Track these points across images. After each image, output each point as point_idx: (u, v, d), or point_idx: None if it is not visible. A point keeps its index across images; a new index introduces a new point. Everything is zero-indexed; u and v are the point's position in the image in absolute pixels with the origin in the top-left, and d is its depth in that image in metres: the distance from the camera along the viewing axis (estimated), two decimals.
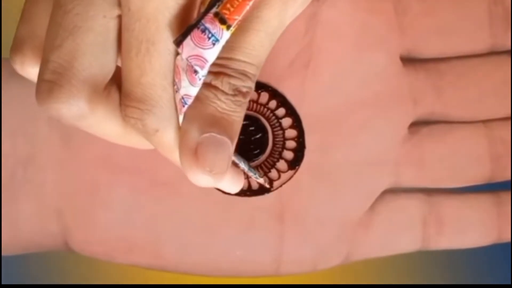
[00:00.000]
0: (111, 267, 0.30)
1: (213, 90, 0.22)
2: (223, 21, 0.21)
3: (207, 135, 0.22)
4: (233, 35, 0.21)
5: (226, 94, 0.22)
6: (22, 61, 0.23)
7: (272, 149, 0.30)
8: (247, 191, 0.29)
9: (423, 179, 0.30)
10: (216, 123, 0.22)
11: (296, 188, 0.29)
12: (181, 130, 0.22)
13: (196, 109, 0.22)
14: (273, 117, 0.29)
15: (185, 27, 0.21)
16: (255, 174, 0.27)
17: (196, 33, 0.21)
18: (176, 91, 0.22)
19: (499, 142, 0.30)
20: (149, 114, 0.22)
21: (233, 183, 0.25)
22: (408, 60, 0.30)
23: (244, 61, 0.22)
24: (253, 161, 0.29)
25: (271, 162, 0.30)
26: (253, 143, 0.29)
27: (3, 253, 0.29)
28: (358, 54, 0.29)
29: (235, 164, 0.26)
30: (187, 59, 0.21)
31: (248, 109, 0.29)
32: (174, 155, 0.23)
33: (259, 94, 0.29)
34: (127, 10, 0.21)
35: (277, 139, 0.30)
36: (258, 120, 0.29)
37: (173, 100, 0.22)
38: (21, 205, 0.28)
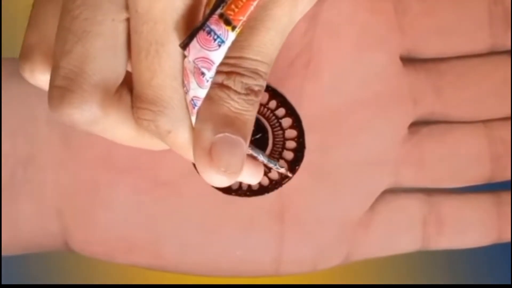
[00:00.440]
0: (111, 267, 0.30)
1: (225, 90, 0.22)
2: (228, 22, 0.21)
3: (221, 135, 0.22)
4: (243, 34, 0.21)
5: (239, 93, 0.22)
6: (31, 69, 0.23)
7: (272, 149, 0.30)
8: (247, 191, 0.29)
9: (423, 179, 0.30)
10: (229, 123, 0.22)
11: (296, 188, 0.29)
12: (194, 131, 0.22)
13: (209, 109, 0.22)
14: (273, 117, 0.29)
15: (191, 29, 0.21)
16: (275, 164, 0.27)
17: (201, 35, 0.21)
18: (186, 93, 0.22)
19: (499, 142, 0.30)
20: (161, 115, 0.22)
21: (253, 176, 0.26)
22: (408, 60, 0.30)
23: (256, 60, 0.22)
24: None
25: None
26: (253, 143, 0.29)
27: (3, 253, 0.29)
28: (358, 54, 0.29)
29: (253, 157, 0.26)
30: (194, 62, 0.21)
31: None
32: (189, 154, 0.23)
33: None
34: (135, 12, 0.21)
35: (277, 139, 0.30)
36: (258, 120, 0.29)
37: (184, 101, 0.22)
38: (21, 205, 0.29)
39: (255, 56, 0.22)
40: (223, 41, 0.21)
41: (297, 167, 0.29)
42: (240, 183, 0.29)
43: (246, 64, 0.22)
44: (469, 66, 0.30)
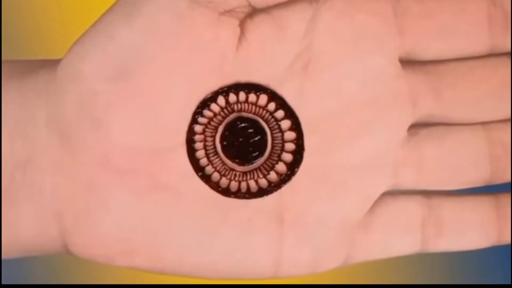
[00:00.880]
0: (110, 267, 0.30)
1: None
2: None
3: None
4: None
5: None
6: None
7: (271, 151, 0.30)
8: (246, 193, 0.29)
9: (422, 181, 0.30)
10: None
11: (295, 191, 0.29)
12: None
13: None
14: (272, 119, 0.29)
15: None
16: None
17: None
18: None
19: (498, 144, 0.30)
20: None
21: None
22: (407, 62, 0.30)
23: None
24: (252, 163, 0.29)
25: (270, 165, 0.30)
26: (251, 146, 0.29)
27: (2, 257, 0.29)
28: (357, 56, 0.29)
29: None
30: None
31: (246, 111, 0.29)
32: None
33: (257, 96, 0.29)
34: None
35: (276, 141, 0.30)
36: (256, 122, 0.29)
37: None
38: (20, 208, 0.28)
39: None
40: None
41: (296, 169, 0.29)
42: (239, 185, 0.29)
43: None
44: (469, 68, 0.30)
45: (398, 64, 0.30)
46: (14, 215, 0.29)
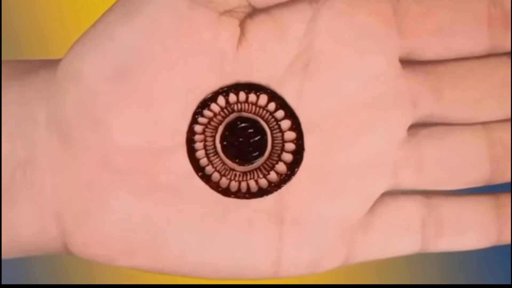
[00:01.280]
0: (110, 267, 0.30)
1: None
2: None
3: None
4: None
5: None
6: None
7: (271, 151, 0.30)
8: (246, 193, 0.29)
9: (422, 181, 0.30)
10: None
11: (295, 191, 0.29)
12: None
13: None
14: (272, 119, 0.29)
15: None
16: None
17: None
18: None
19: (498, 144, 0.30)
20: None
21: None
22: (407, 62, 0.30)
23: None
24: (252, 163, 0.29)
25: (270, 165, 0.30)
26: (252, 146, 0.29)
27: (2, 257, 0.29)
28: (357, 56, 0.29)
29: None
30: None
31: (247, 111, 0.29)
32: None
33: (258, 96, 0.29)
34: None
35: (276, 141, 0.30)
36: (257, 122, 0.29)
37: None
38: (20, 208, 0.28)
39: None
40: None
41: (296, 169, 0.29)
42: (239, 185, 0.29)
43: None
44: (468, 68, 0.30)
45: (398, 64, 0.30)
46: (14, 215, 0.29)
